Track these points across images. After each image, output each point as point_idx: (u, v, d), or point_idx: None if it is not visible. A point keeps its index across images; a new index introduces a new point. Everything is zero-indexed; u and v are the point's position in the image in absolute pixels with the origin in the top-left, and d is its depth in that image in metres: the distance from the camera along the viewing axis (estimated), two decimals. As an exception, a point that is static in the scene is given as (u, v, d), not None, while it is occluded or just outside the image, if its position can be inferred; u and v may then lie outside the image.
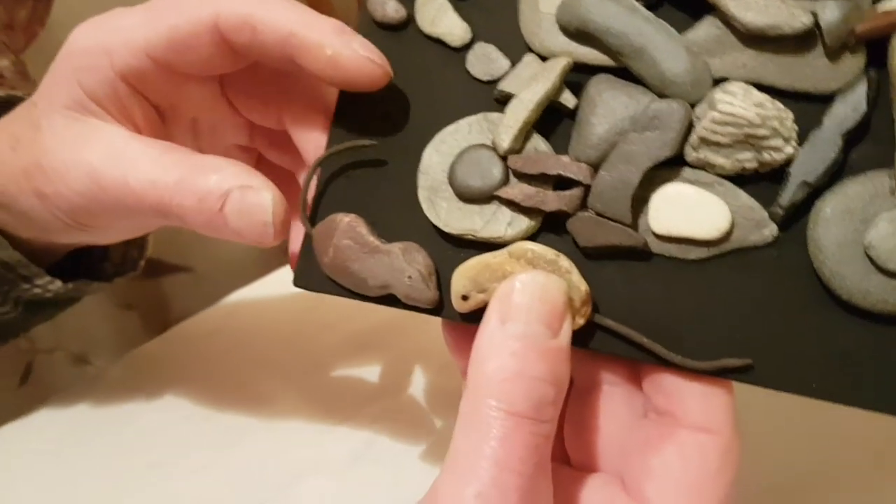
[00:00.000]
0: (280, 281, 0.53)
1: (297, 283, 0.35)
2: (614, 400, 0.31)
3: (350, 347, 0.47)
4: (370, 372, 0.46)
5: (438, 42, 0.34)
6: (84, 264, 0.44)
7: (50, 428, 0.46)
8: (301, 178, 0.39)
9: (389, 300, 0.33)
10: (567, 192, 0.30)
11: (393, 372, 0.48)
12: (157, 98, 0.35)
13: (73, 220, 0.35)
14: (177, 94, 0.35)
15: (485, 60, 0.33)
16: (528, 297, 0.28)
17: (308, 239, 0.35)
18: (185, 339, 0.50)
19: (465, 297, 0.31)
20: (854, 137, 0.27)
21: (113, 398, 0.47)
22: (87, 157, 0.32)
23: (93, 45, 0.32)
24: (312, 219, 0.35)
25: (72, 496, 0.42)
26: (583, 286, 0.29)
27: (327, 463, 0.43)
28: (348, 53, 0.31)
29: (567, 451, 0.32)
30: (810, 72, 0.28)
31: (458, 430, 0.27)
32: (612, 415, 0.31)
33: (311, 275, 0.35)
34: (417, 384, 0.47)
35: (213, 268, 0.59)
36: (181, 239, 0.46)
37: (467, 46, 0.33)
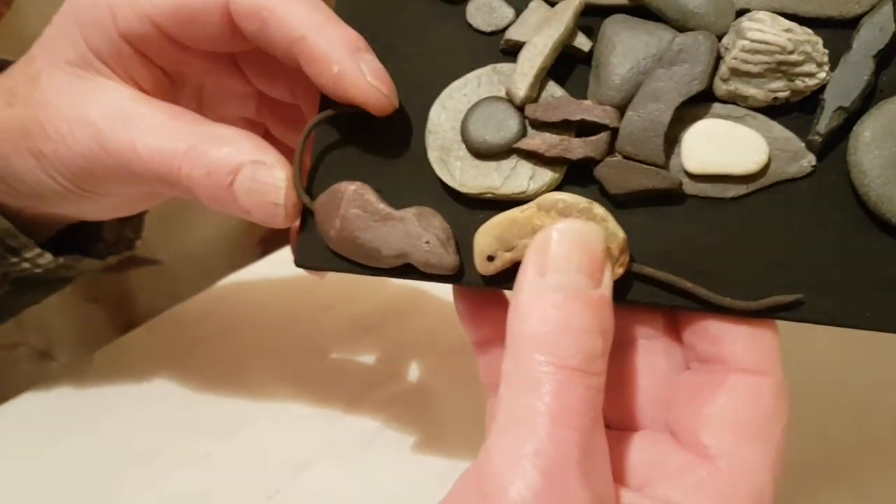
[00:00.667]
0: (273, 263, 0.51)
1: (298, 262, 0.33)
2: (652, 354, 0.29)
3: (351, 331, 0.46)
4: (373, 355, 0.44)
5: (433, -3, 0.32)
6: (77, 243, 0.41)
7: (39, 417, 0.43)
8: None
9: (405, 271, 0.31)
10: (593, 138, 0.29)
11: (397, 355, 0.46)
12: (162, 62, 0.32)
13: (72, 184, 0.32)
14: (183, 60, 0.32)
15: (486, 10, 0.31)
16: (566, 246, 0.26)
17: (306, 213, 0.32)
18: (175, 326, 0.47)
19: (490, 258, 0.29)
20: (884, 59, 0.27)
21: (104, 387, 0.45)
22: (91, 116, 0.30)
23: (98, 0, 0.30)
24: (309, 191, 0.33)
25: (75, 486, 0.40)
26: (620, 233, 0.28)
27: (336, 450, 0.41)
28: (355, 76, 0.29)
29: (604, 411, 0.31)
30: (834, -3, 0.27)
31: (506, 390, 0.25)
32: (652, 369, 0.29)
33: (315, 252, 0.32)
34: (423, 367, 0.46)
35: (182, 261, 0.55)
36: (149, 230, 0.43)
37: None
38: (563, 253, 0.26)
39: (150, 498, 0.39)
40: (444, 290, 0.33)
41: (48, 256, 0.37)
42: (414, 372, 0.45)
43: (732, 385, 0.26)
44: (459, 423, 0.42)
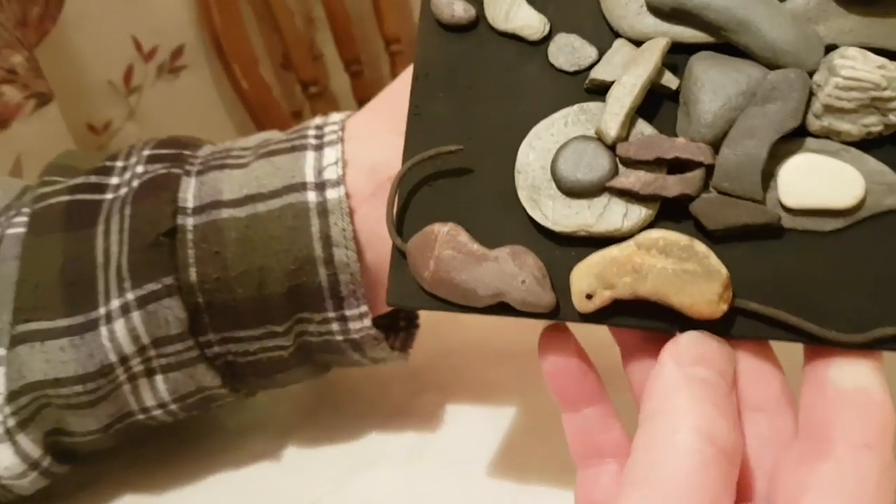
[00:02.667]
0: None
1: (390, 301, 0.33)
2: (761, 425, 0.29)
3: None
4: (415, 365, 0.45)
5: (514, 37, 0.33)
6: None
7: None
8: None
9: (500, 309, 0.32)
10: (689, 175, 0.29)
11: (439, 365, 0.47)
12: None
13: None
14: None
15: (568, 51, 0.32)
16: (706, 349, 0.28)
17: (397, 254, 0.33)
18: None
19: (589, 296, 0.30)
20: (977, 90, 0.27)
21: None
22: None
23: None
24: (399, 232, 0.33)
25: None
26: (723, 270, 0.28)
27: (382, 458, 0.42)
28: None
29: None
30: (922, 30, 0.28)
31: (643, 454, 0.26)
32: (762, 441, 0.29)
33: (407, 290, 0.33)
34: (465, 378, 0.47)
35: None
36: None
37: (546, 39, 0.32)
38: (707, 353, 0.28)
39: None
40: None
41: (367, 322, 0.38)
42: (456, 381, 0.46)
43: (839, 456, 0.26)
44: (507, 435, 0.42)
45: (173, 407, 0.39)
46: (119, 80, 0.89)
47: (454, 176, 0.33)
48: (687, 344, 0.28)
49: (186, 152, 0.40)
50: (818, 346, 0.28)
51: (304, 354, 0.40)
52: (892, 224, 0.28)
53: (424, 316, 0.45)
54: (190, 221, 0.37)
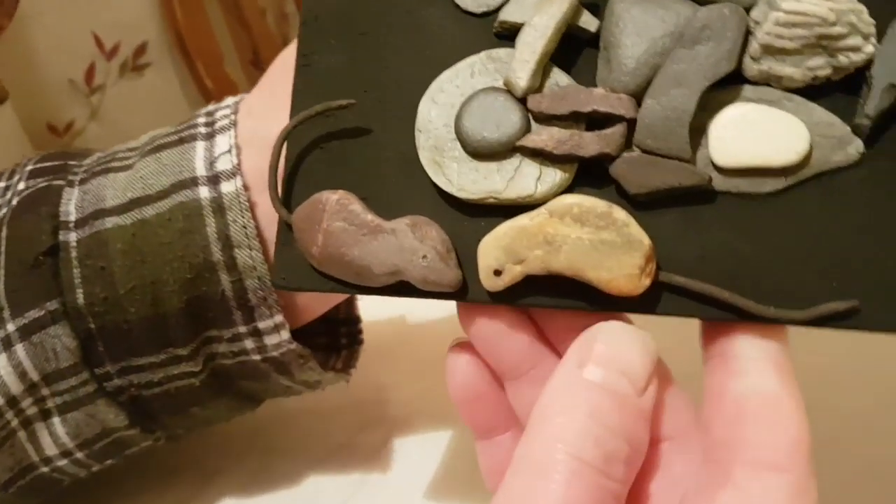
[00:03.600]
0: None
1: (276, 282, 0.29)
2: (671, 457, 0.25)
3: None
4: (360, 397, 0.41)
5: (413, -25, 0.28)
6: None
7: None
8: None
9: (400, 289, 0.28)
10: (607, 131, 0.25)
11: (388, 398, 0.42)
12: None
13: None
14: None
15: (476, -11, 0.28)
16: (614, 344, 0.24)
17: (284, 227, 0.29)
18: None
19: (497, 272, 0.26)
20: (940, 25, 0.23)
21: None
22: None
23: None
24: (287, 203, 0.29)
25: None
26: (645, 240, 0.24)
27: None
28: None
29: None
30: (877, -44, 0.24)
31: (514, 471, 0.23)
32: (672, 475, 0.25)
33: (296, 271, 0.29)
34: (415, 411, 0.42)
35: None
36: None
37: (451, -23, 0.28)
38: (610, 351, 0.24)
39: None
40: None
41: (284, 335, 0.33)
42: (408, 415, 0.41)
43: (739, 482, 0.22)
44: (458, 475, 0.38)
45: (79, 455, 0.34)
46: (80, 79, 0.85)
47: (349, 136, 0.29)
48: (592, 340, 0.24)
49: (72, 162, 0.35)
50: (717, 327, 0.24)
51: (220, 382, 0.35)
52: (839, 184, 0.24)
53: (371, 338, 0.40)
54: (73, 236, 0.32)
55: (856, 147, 0.24)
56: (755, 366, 0.23)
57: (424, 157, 0.27)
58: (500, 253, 0.26)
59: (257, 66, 1.08)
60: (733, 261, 0.25)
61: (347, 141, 0.29)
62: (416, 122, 0.28)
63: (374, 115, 0.29)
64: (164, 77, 0.94)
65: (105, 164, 0.34)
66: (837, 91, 0.24)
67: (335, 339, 0.39)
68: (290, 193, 0.29)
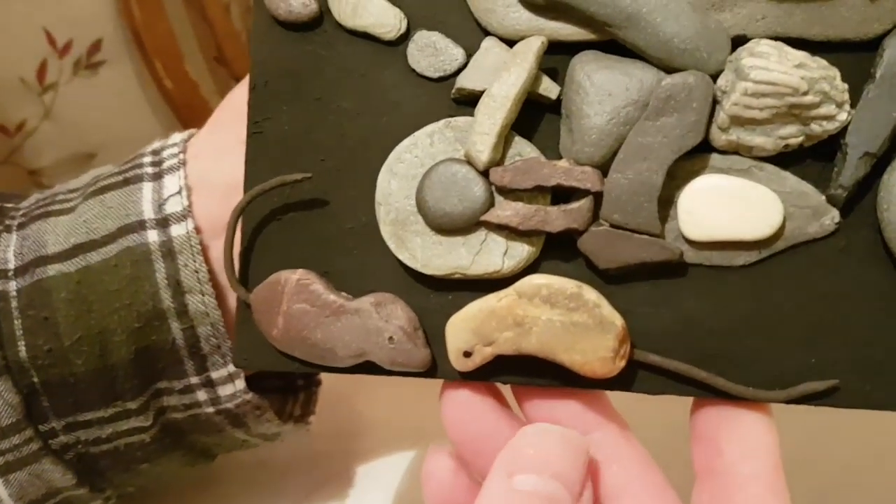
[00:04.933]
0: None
1: (237, 363, 0.28)
2: None
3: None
4: (317, 449, 0.39)
5: (366, 36, 0.27)
6: None
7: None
8: None
9: (367, 368, 0.27)
10: (573, 206, 0.24)
11: (348, 448, 0.40)
12: None
13: None
14: None
15: (430, 52, 0.26)
16: (544, 447, 0.23)
17: (243, 306, 0.28)
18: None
19: (467, 354, 0.25)
20: (914, 88, 0.22)
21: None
22: None
23: None
24: (244, 279, 0.28)
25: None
26: (618, 321, 0.23)
27: None
28: None
29: None
30: (847, 14, 0.23)
31: None
32: None
33: (256, 349, 0.28)
34: (377, 463, 0.40)
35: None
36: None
37: (404, 37, 0.27)
38: (540, 455, 0.22)
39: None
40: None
41: (239, 384, 0.31)
42: (368, 469, 0.39)
43: None
44: None
45: None
46: (31, 77, 0.81)
47: (307, 208, 0.28)
48: (520, 446, 0.23)
49: (8, 205, 0.34)
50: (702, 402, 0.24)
51: (171, 438, 0.33)
52: (815, 256, 0.23)
53: (332, 381, 0.38)
54: (13, 286, 0.30)
55: (831, 218, 0.23)
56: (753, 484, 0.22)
57: (386, 232, 0.26)
58: (468, 335, 0.25)
59: (222, 62, 1.05)
60: (709, 335, 0.24)
61: (305, 212, 0.28)
62: (377, 195, 0.26)
63: (333, 186, 0.27)
64: (121, 75, 0.90)
65: (45, 207, 0.33)
66: (809, 157, 0.23)
67: (291, 382, 0.37)
68: (247, 269, 0.28)
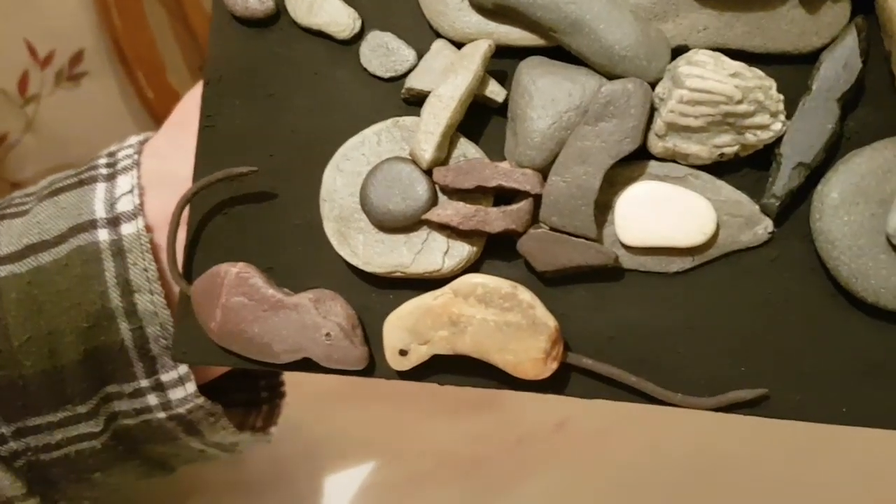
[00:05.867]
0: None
1: (175, 356, 0.28)
2: None
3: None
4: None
5: (321, 35, 0.27)
6: None
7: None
8: None
9: (304, 365, 0.26)
10: (513, 207, 0.24)
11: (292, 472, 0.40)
12: None
13: None
14: None
15: (382, 52, 0.27)
16: None
17: (184, 299, 0.28)
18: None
19: (403, 352, 0.25)
20: (849, 101, 0.23)
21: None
22: None
23: None
24: (188, 273, 0.28)
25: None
26: (551, 322, 0.23)
27: None
28: None
29: None
30: (786, 27, 0.23)
31: None
32: None
33: (195, 343, 0.28)
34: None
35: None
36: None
37: (358, 37, 0.27)
38: None
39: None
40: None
41: (190, 388, 0.30)
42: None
43: None
44: None
45: None
46: (13, 89, 0.81)
47: (254, 202, 0.28)
48: None
49: None
50: None
51: (124, 446, 0.33)
52: (748, 264, 0.23)
53: (294, 403, 0.38)
54: None
55: (765, 227, 0.23)
56: None
57: (329, 228, 0.26)
58: (404, 333, 0.25)
59: None
60: (643, 340, 0.24)
61: (252, 207, 0.28)
62: (321, 191, 0.26)
63: (281, 181, 0.27)
64: (103, 86, 0.90)
65: (0, 211, 0.33)
66: (745, 167, 0.23)
67: (255, 395, 0.37)
68: (191, 262, 0.28)
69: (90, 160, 0.33)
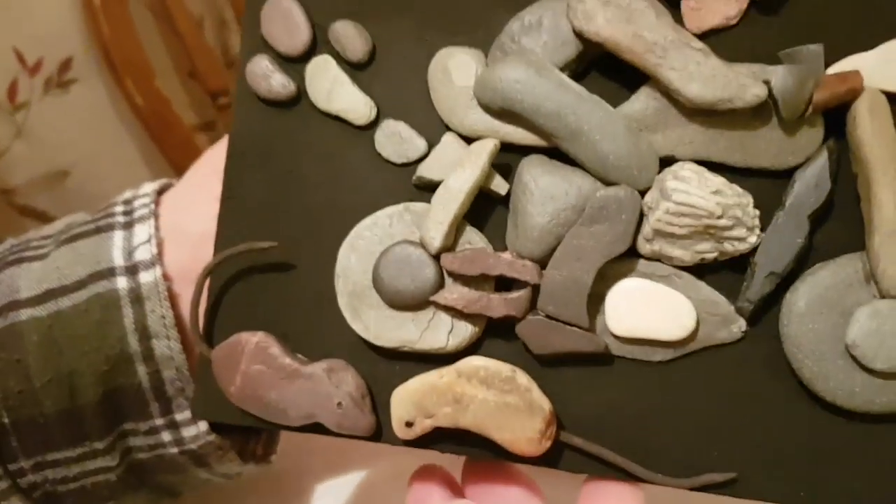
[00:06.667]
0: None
1: (195, 413, 0.30)
2: None
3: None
4: None
5: (338, 119, 0.29)
6: None
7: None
8: None
9: (317, 428, 0.29)
10: (514, 295, 0.26)
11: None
12: None
13: None
14: None
15: (396, 140, 0.29)
16: None
17: (205, 362, 0.30)
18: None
19: (409, 424, 0.27)
20: (819, 218, 0.25)
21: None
22: None
23: None
24: (208, 338, 0.30)
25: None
26: (546, 405, 0.26)
27: None
28: None
29: None
30: (765, 146, 0.25)
31: None
32: None
33: (214, 402, 0.30)
34: None
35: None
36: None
37: (373, 124, 0.29)
38: None
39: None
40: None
41: (202, 426, 0.33)
42: None
43: None
44: None
45: None
46: (3, 97, 0.81)
47: (271, 272, 0.30)
48: None
49: None
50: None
51: (137, 477, 0.34)
52: (723, 359, 0.26)
53: None
54: None
55: (739, 326, 0.26)
56: None
57: (343, 303, 0.29)
58: (411, 407, 0.27)
59: (196, 77, 1.04)
60: (628, 422, 0.26)
61: (270, 276, 0.30)
62: (336, 267, 0.29)
63: (296, 254, 0.30)
64: (93, 93, 0.89)
65: (18, 254, 0.34)
66: (725, 269, 0.26)
67: None
68: (212, 324, 0.30)
69: (106, 206, 0.35)
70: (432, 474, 0.28)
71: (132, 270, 0.32)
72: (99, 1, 0.86)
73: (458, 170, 0.27)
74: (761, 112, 0.25)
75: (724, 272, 0.26)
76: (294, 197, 0.30)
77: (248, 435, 0.38)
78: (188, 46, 1.03)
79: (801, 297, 0.25)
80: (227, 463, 0.35)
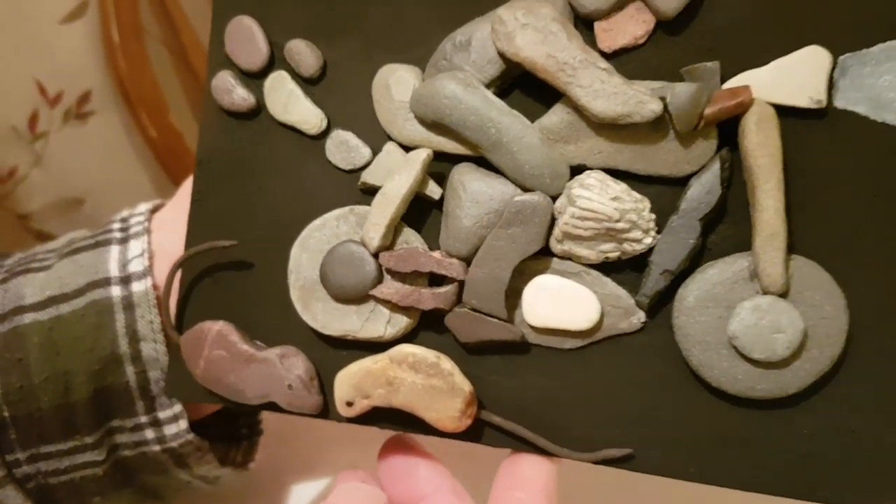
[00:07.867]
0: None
1: (168, 393, 0.34)
2: None
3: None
4: None
5: (293, 129, 0.33)
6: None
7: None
8: None
9: (272, 406, 0.32)
10: (442, 290, 0.30)
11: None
12: None
13: None
14: None
15: (344, 148, 0.32)
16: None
17: (175, 347, 0.33)
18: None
19: (349, 403, 0.30)
20: (712, 220, 0.28)
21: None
22: None
23: None
24: (179, 323, 0.33)
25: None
26: (466, 387, 0.29)
27: None
28: None
29: None
30: (664, 156, 0.28)
31: None
32: None
33: (184, 383, 0.33)
34: None
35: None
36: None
37: (324, 134, 0.32)
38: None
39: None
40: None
41: (182, 424, 0.35)
42: None
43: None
44: None
45: None
46: (23, 126, 0.83)
47: (235, 269, 0.33)
48: (334, 500, 0.28)
49: None
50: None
51: (122, 475, 0.37)
52: (625, 347, 0.29)
53: (267, 423, 0.42)
54: None
55: (638, 318, 0.28)
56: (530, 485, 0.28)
57: (294, 296, 0.32)
58: (350, 389, 0.30)
59: None
60: (542, 402, 0.29)
61: (234, 273, 0.33)
62: (289, 264, 0.32)
63: (257, 252, 0.33)
64: (109, 125, 0.90)
65: (25, 265, 0.38)
66: (628, 268, 0.29)
67: (235, 431, 0.42)
68: (182, 315, 0.33)
69: (105, 223, 0.39)
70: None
71: (126, 280, 0.36)
72: (117, 38, 0.89)
73: (395, 177, 0.30)
74: (660, 125, 0.28)
75: (627, 270, 0.29)
76: (254, 200, 0.33)
77: (230, 444, 0.41)
78: (201, 83, 1.04)
79: (690, 292, 0.27)
80: (205, 465, 0.38)
